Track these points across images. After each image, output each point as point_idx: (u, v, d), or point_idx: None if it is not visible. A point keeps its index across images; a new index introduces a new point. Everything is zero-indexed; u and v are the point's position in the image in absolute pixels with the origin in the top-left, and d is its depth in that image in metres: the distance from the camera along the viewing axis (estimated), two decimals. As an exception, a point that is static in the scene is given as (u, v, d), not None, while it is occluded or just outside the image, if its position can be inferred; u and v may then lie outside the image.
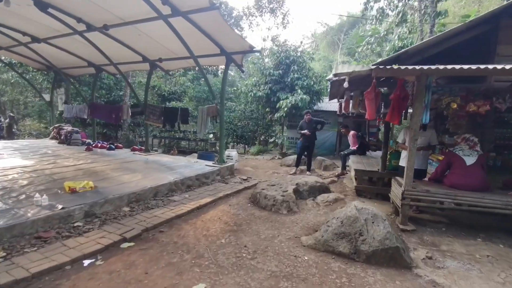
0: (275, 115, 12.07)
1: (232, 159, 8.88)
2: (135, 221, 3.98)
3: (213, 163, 7.50)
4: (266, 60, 13.45)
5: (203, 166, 7.23)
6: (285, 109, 11.08)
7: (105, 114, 9.69)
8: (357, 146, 7.94)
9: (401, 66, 3.60)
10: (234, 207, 5.03)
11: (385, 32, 11.35)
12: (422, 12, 9.32)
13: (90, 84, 12.45)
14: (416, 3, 9.66)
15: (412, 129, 3.90)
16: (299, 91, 11.15)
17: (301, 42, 15.56)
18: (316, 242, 3.44)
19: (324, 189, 5.79)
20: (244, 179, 7.28)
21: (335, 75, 4.09)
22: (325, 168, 9.59)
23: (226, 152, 9.07)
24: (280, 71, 12.12)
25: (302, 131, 7.91)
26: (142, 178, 5.60)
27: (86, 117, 10.18)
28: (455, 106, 3.70)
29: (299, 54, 12.43)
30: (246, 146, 17.14)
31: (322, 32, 37.72)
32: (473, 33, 4.58)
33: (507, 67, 3.15)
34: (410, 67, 3.55)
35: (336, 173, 8.29)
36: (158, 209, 4.52)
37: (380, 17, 11.10)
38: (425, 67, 3.51)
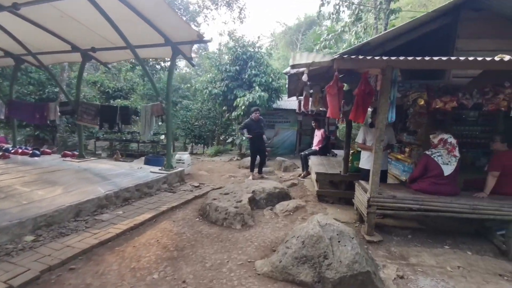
0: (233, 114, 11.35)
1: (183, 163, 7.96)
2: (35, 257, 2.97)
3: (159, 169, 6.54)
4: (224, 56, 12.65)
5: (147, 173, 6.24)
6: (243, 107, 10.41)
7: (27, 113, 8.08)
8: (320, 146, 7.55)
9: (366, 57, 3.12)
10: (178, 223, 4.21)
11: (342, 29, 11.29)
12: (378, 8, 9.34)
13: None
14: (371, 1, 9.70)
15: (378, 128, 3.47)
16: (257, 88, 10.56)
17: (259, 37, 15.02)
18: (273, 269, 2.80)
19: (284, 195, 5.22)
20: (196, 186, 6.45)
21: (292, 66, 3.50)
22: (285, 169, 9.13)
23: (177, 156, 8.12)
24: (237, 67, 11.42)
25: (246, 135, 7.29)
26: (62, 193, 4.48)
27: (3, 117, 8.42)
28: (422, 102, 3.35)
29: (256, 49, 11.84)
30: (205, 146, 16.17)
31: (281, 32, 37.84)
32: (435, 25, 4.34)
33: (479, 59, 2.82)
34: (376, 57, 3.08)
35: (298, 175, 7.86)
36: (75, 235, 3.52)
37: (335, 15, 10.99)
38: (392, 58, 3.07)
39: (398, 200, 3.53)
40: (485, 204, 3.39)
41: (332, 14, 11.08)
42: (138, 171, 6.44)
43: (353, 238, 2.74)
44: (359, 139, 4.58)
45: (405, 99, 3.50)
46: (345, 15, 11.72)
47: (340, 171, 5.19)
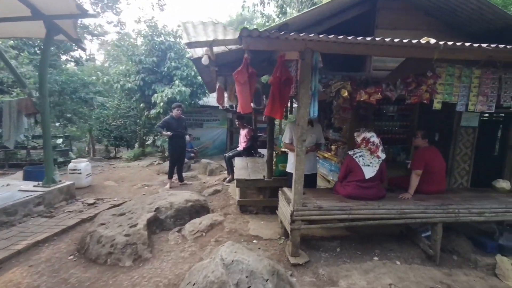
0: (151, 112, 9.88)
1: (80, 173, 6.33)
2: None
3: (35, 186, 4.90)
4: (142, 45, 10.95)
5: (13, 192, 4.56)
6: (161, 104, 9.07)
7: None
8: (244, 146, 6.82)
9: (280, 33, 2.41)
10: (38, 268, 2.91)
11: (267, 23, 10.88)
12: (300, 1, 9.15)
13: None
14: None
15: (299, 126, 2.82)
16: (177, 82, 9.34)
17: (179, 26, 13.61)
18: None
19: (199, 209, 4.30)
20: (91, 204, 5.03)
21: (189, 44, 2.58)
22: (211, 172, 8.21)
23: (71, 165, 6.43)
24: (155, 59, 9.96)
25: (165, 133, 6.14)
26: None
27: None
28: (345, 93, 2.84)
29: (177, 39, 10.56)
30: (129, 149, 14.09)
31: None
32: (355, 12, 3.97)
33: (423, 41, 2.37)
34: (292, 34, 2.39)
35: (223, 179, 7.02)
36: None
37: (260, 6, 10.52)
38: (311, 35, 2.42)
39: (325, 211, 2.96)
40: (412, 207, 3.08)
41: (257, 5, 10.56)
42: (1, 190, 4.69)
43: (267, 280, 1.98)
44: (285, 138, 3.94)
45: (327, 89, 2.94)
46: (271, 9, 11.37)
47: (264, 176, 4.52)
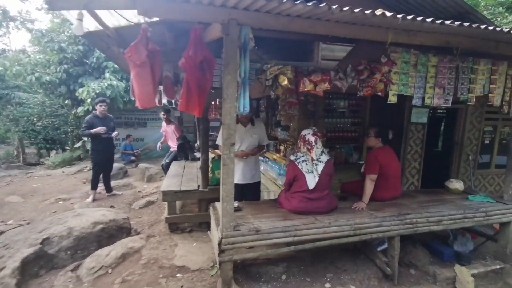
0: (79, 110, 8.40)
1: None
2: None
3: None
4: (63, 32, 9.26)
5: None
6: (89, 100, 7.69)
7: None
8: (176, 148, 5.92)
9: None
10: None
11: None
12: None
13: None
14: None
15: (225, 126, 2.10)
16: (107, 75, 8.03)
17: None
18: None
19: (114, 231, 3.36)
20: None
21: (49, 3, 1.68)
22: (150, 179, 7.16)
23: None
24: (81, 47, 8.47)
25: (93, 130, 5.01)
26: None
27: None
28: (285, 81, 2.19)
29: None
30: (63, 151, 12.12)
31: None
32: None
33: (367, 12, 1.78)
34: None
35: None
36: None
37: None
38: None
39: (264, 235, 2.29)
40: (367, 221, 2.57)
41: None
42: None
43: None
44: (219, 139, 3.20)
45: (261, 76, 2.26)
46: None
47: (199, 185, 3.73)
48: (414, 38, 2.45)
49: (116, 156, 10.14)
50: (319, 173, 2.59)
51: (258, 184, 3.42)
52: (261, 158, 5.87)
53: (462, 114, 4.68)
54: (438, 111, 6.05)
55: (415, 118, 4.33)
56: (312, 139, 2.66)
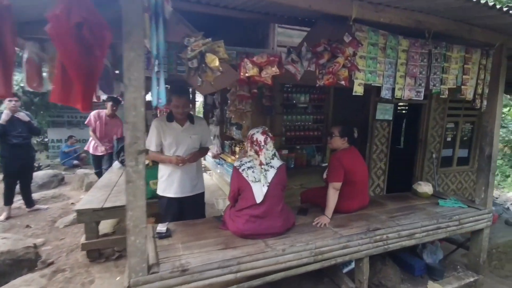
0: None
1: None
2: None
3: None
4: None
5: None
6: (11, 95, 6.40)
7: None
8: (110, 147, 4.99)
9: None
10: None
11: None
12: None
13: None
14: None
15: (129, 124, 1.43)
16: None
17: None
18: None
19: (8, 268, 2.51)
20: None
21: None
22: (89, 187, 6.06)
23: None
24: None
25: None
26: None
27: None
28: (215, 62, 1.55)
29: None
30: None
31: None
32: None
33: None
34: None
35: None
36: None
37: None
38: None
39: (194, 276, 1.66)
40: (330, 242, 2.06)
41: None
42: None
43: None
44: (150, 142, 2.49)
45: (182, 55, 1.61)
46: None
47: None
48: (382, 14, 1.98)
49: (56, 160, 8.86)
50: (269, 181, 2.02)
51: (201, 196, 2.77)
52: (216, 160, 5.23)
53: (425, 110, 4.45)
54: (399, 107, 5.88)
55: (380, 115, 3.98)
56: (261, 138, 2.08)
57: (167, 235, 2.00)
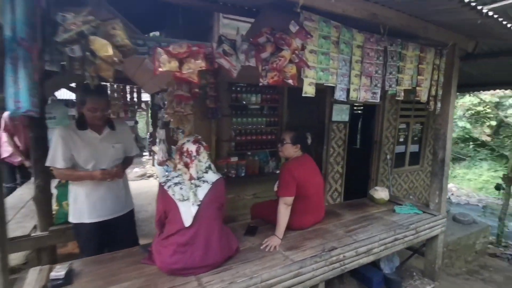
0: None
1: None
2: None
3: None
4: None
5: None
6: None
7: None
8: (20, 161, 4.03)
9: None
10: None
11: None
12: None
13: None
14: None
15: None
16: None
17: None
18: None
19: None
20: None
21: None
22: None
23: None
24: None
25: None
26: None
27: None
28: (108, 51, 1.08)
29: None
30: None
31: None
32: None
33: None
34: None
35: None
36: None
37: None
38: None
39: None
40: (279, 272, 1.72)
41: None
42: None
43: None
44: (53, 159, 1.91)
45: (58, 39, 1.13)
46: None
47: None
48: (335, 2, 1.69)
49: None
50: (200, 199, 1.63)
51: (131, 214, 2.27)
52: (163, 167, 4.67)
53: (380, 111, 4.40)
54: (355, 107, 5.87)
55: (336, 116, 3.80)
56: (193, 148, 1.67)
57: (65, 283, 1.49)
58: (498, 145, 12.28)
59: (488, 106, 11.07)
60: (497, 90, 5.31)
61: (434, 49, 2.41)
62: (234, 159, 3.11)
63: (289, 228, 2.13)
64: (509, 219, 5.89)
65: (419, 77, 2.33)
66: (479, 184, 12.03)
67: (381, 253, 2.27)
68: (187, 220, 1.59)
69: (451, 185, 11.94)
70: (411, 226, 2.45)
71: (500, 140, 12.39)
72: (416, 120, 4.95)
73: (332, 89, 2.05)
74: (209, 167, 1.73)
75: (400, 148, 4.89)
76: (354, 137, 6.31)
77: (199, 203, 1.61)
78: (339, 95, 1.89)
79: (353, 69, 1.93)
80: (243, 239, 2.08)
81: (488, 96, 10.76)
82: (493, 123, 11.98)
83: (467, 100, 12.19)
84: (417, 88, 2.36)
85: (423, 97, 2.42)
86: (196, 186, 1.64)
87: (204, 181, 1.67)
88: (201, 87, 2.59)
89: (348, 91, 1.93)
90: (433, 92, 2.49)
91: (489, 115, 11.79)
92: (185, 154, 1.67)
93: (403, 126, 4.86)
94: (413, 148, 5.12)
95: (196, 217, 1.60)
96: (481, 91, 5.03)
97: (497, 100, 11.03)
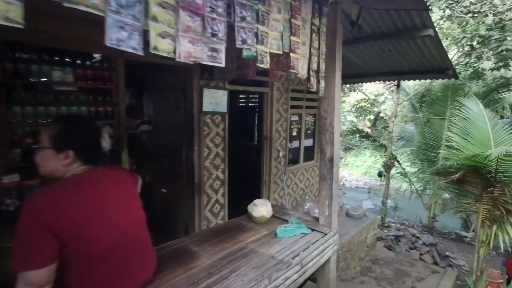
0: None
1: None
2: None
3: None
4: None
5: None
6: None
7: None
8: None
9: None
10: None
11: None
12: None
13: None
14: None
15: None
16: None
17: None
18: None
19: None
20: None
21: None
22: None
23: None
24: None
25: None
26: None
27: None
28: None
29: None
30: None
31: None
32: None
33: None
34: None
35: None
36: None
37: None
38: None
39: None
40: None
41: None
42: None
43: None
44: None
45: None
46: None
47: None
48: None
49: None
50: None
51: None
52: None
53: (268, 100, 3.69)
54: (250, 97, 5.13)
55: (209, 105, 2.84)
56: None
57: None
58: (376, 135, 14.23)
59: (368, 102, 12.43)
60: (377, 82, 5.40)
61: (311, 2, 1.66)
62: (13, 178, 1.74)
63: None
64: (389, 199, 6.30)
65: (292, 38, 1.54)
66: (364, 169, 13.60)
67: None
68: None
69: (344, 172, 13.15)
70: (294, 261, 1.66)
71: (377, 131, 14.33)
72: (308, 111, 4.50)
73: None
74: None
75: (294, 144, 4.37)
76: (251, 132, 5.59)
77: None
78: (116, 40, 0.84)
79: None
80: None
81: (369, 93, 12.13)
82: (372, 117, 13.68)
83: (352, 97, 13.58)
84: (292, 55, 1.56)
85: (301, 71, 1.64)
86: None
87: None
88: None
89: (143, 36, 0.91)
90: (314, 66, 1.75)
91: (369, 109, 13.37)
92: None
93: (296, 118, 4.34)
94: (307, 142, 4.70)
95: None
96: (365, 82, 4.93)
97: (373, 97, 12.68)
